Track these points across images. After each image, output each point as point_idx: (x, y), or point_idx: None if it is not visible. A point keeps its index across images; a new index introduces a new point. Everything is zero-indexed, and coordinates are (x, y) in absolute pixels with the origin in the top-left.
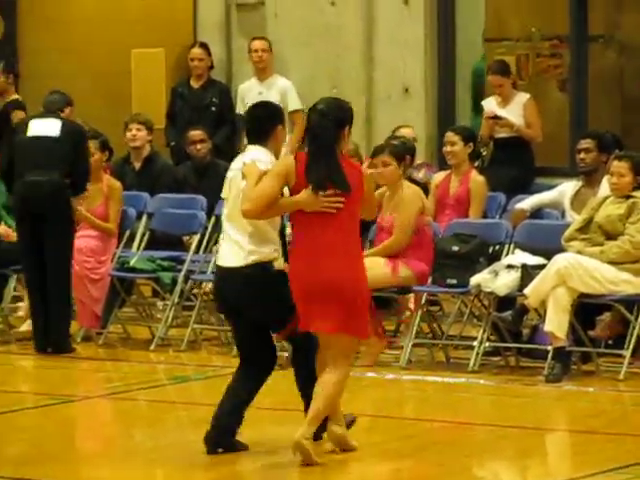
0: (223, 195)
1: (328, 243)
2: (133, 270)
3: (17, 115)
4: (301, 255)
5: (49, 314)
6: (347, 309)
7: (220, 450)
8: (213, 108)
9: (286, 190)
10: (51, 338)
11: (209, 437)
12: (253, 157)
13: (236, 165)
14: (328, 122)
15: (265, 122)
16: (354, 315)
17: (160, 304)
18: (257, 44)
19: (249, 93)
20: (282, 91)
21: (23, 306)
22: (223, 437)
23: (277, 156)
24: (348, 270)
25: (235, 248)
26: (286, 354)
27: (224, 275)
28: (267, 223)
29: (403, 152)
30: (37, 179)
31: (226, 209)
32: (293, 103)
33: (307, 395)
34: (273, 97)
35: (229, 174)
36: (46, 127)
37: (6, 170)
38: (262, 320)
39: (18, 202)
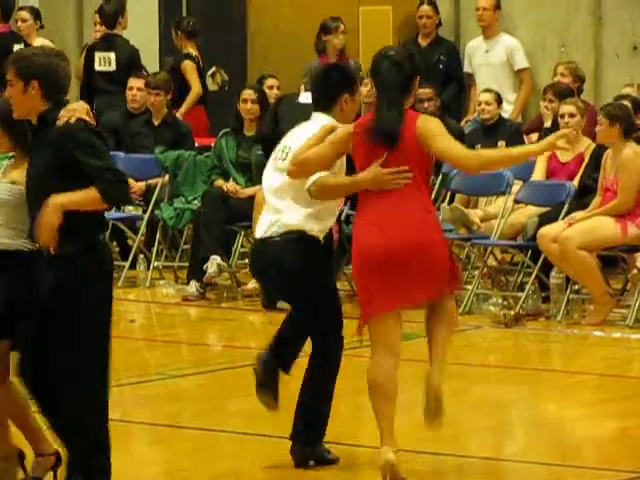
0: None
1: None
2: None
3: (188, 66)
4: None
5: None
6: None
7: None
8: (441, 66)
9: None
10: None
11: None
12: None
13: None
14: (399, 71)
15: (331, 88)
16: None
17: None
18: (482, 2)
19: (476, 51)
20: (509, 50)
21: None
22: None
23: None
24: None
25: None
26: (512, 312)
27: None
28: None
29: (618, 113)
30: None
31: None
32: (520, 61)
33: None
34: (499, 56)
35: (287, 142)
36: (306, 96)
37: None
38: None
39: None
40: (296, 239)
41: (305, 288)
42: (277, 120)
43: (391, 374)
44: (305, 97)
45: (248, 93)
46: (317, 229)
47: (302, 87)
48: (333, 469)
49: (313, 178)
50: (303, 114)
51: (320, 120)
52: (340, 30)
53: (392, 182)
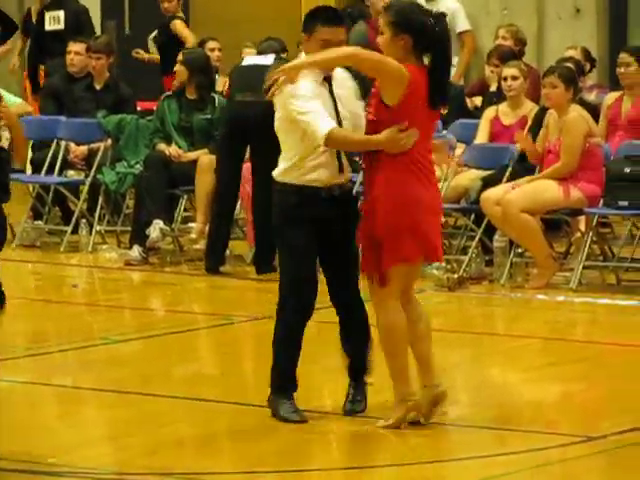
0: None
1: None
2: None
3: (175, 25)
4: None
5: (258, 237)
6: None
7: None
8: None
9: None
10: (263, 260)
11: None
12: None
13: None
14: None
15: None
16: None
17: None
18: None
19: None
20: (450, 12)
21: (195, 227)
22: None
23: None
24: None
25: None
26: (455, 275)
27: None
28: None
29: (572, 76)
30: (247, 100)
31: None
32: (462, 24)
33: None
34: None
35: None
36: (260, 59)
37: None
38: None
39: (225, 122)
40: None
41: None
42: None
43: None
44: (250, 59)
45: (178, 56)
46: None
47: (245, 50)
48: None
49: (329, 126)
50: (251, 76)
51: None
52: None
53: (406, 144)
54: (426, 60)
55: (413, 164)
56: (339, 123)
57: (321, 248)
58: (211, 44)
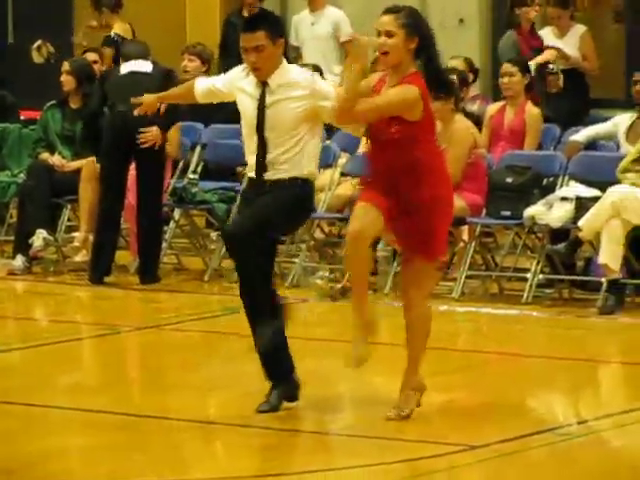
0: None
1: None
2: (189, 201)
3: (105, 52)
4: None
5: (142, 247)
6: None
7: None
8: None
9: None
10: (147, 270)
11: None
12: None
13: None
14: None
15: None
16: None
17: (214, 235)
18: None
19: (302, 24)
20: (334, 22)
21: (78, 236)
22: None
23: None
24: None
25: None
26: (339, 285)
27: None
28: None
29: (452, 87)
30: (129, 110)
31: None
32: (346, 34)
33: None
34: (325, 28)
35: None
36: (138, 66)
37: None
38: None
39: (108, 132)
40: None
41: None
42: (104, 96)
43: None
44: (127, 67)
45: (64, 65)
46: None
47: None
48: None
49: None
50: (131, 85)
51: None
52: (535, 2)
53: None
54: None
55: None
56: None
57: None
58: (91, 56)
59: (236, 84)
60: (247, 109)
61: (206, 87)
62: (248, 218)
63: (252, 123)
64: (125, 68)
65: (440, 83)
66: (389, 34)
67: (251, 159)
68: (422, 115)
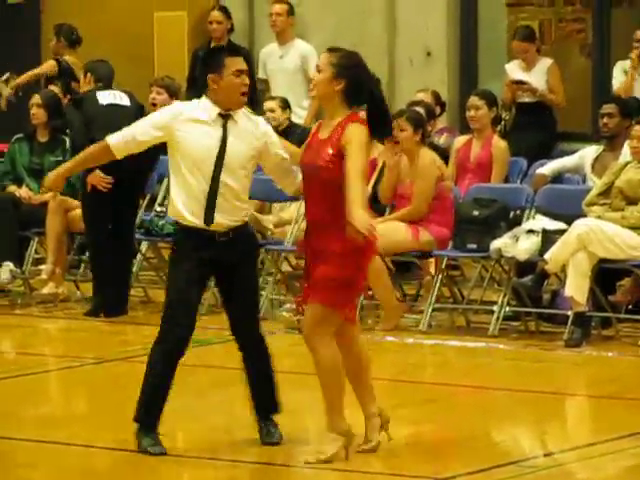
0: None
1: None
2: (156, 233)
3: (48, 63)
4: None
5: (116, 281)
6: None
7: None
8: None
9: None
10: (117, 303)
11: None
12: None
13: None
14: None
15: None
16: None
17: None
18: (276, 7)
19: (270, 57)
20: (302, 55)
21: (45, 268)
22: None
23: (231, 104)
24: None
25: None
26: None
27: None
28: None
29: (420, 119)
30: None
31: None
32: (314, 67)
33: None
34: (293, 61)
35: None
36: (115, 97)
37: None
38: None
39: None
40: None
41: None
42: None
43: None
44: (107, 97)
45: (34, 98)
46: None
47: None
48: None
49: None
50: (113, 117)
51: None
52: None
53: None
54: None
55: None
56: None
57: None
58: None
59: (183, 117)
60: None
61: (124, 141)
62: None
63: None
64: (103, 97)
65: (384, 127)
66: (318, 69)
67: None
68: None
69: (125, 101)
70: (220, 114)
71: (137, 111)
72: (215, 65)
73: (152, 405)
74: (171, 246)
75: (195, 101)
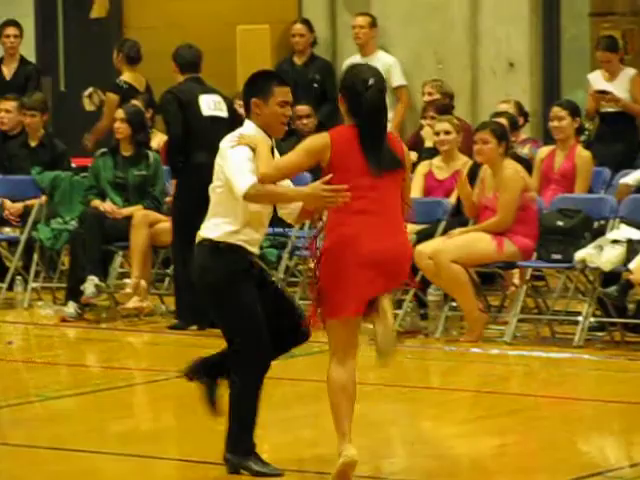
0: None
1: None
2: None
3: (108, 98)
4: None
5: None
6: None
7: None
8: (315, 85)
9: None
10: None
11: None
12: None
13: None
14: (383, 98)
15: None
16: None
17: None
18: (359, 20)
19: None
20: (386, 67)
21: (129, 282)
22: None
23: (270, 131)
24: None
25: None
26: None
27: None
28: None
29: (504, 131)
30: (206, 164)
31: None
32: (397, 79)
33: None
34: None
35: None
36: (216, 106)
37: (176, 147)
38: None
39: (185, 186)
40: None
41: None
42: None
43: (354, 376)
44: (209, 105)
45: (118, 112)
46: (215, 235)
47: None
48: None
49: (251, 182)
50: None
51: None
52: None
53: (330, 200)
54: None
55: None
56: None
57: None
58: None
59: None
60: None
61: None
62: None
63: None
64: (207, 106)
65: (367, 153)
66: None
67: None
68: (328, 162)
69: (224, 112)
70: None
71: (232, 122)
72: (262, 90)
73: (250, 428)
74: (215, 266)
75: (248, 126)
